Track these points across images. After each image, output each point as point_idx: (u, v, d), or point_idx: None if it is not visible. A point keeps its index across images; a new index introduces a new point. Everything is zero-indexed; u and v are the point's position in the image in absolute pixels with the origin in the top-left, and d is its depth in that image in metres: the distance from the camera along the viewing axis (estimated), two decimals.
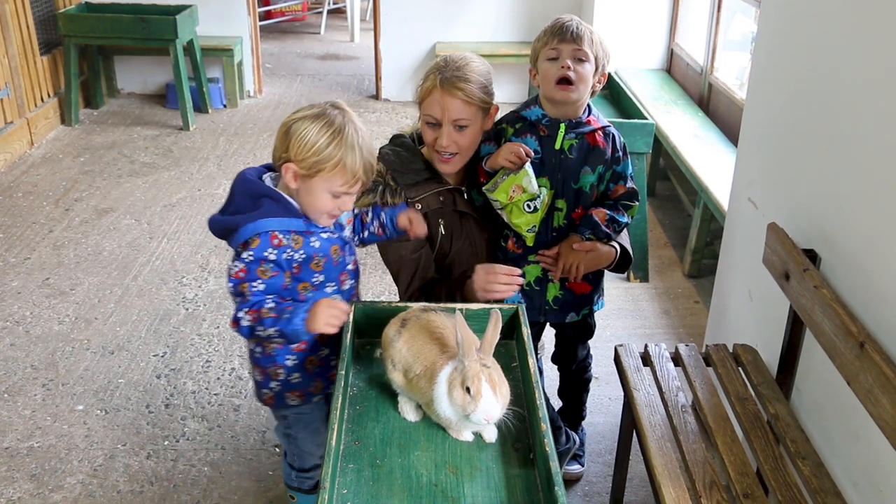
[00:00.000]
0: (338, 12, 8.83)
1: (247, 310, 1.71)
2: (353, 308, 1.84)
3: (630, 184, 2.20)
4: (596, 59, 2.06)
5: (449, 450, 1.57)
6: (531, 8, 5.85)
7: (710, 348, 2.29)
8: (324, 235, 1.79)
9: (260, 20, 6.54)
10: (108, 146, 5.14)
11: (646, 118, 3.62)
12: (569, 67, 2.03)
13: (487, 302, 1.93)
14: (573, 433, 2.44)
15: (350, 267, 1.89)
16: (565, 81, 2.04)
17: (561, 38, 2.04)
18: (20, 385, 2.91)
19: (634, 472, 2.49)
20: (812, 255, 1.97)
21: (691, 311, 3.46)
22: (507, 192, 2.03)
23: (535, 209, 2.06)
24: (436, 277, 2.12)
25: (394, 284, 2.20)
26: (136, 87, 6.09)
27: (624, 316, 3.42)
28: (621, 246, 2.19)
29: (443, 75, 2.00)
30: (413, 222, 1.93)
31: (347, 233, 1.89)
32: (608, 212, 2.15)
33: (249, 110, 5.85)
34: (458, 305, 1.83)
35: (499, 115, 2.17)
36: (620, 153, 2.17)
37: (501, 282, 1.94)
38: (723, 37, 4.34)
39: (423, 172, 2.11)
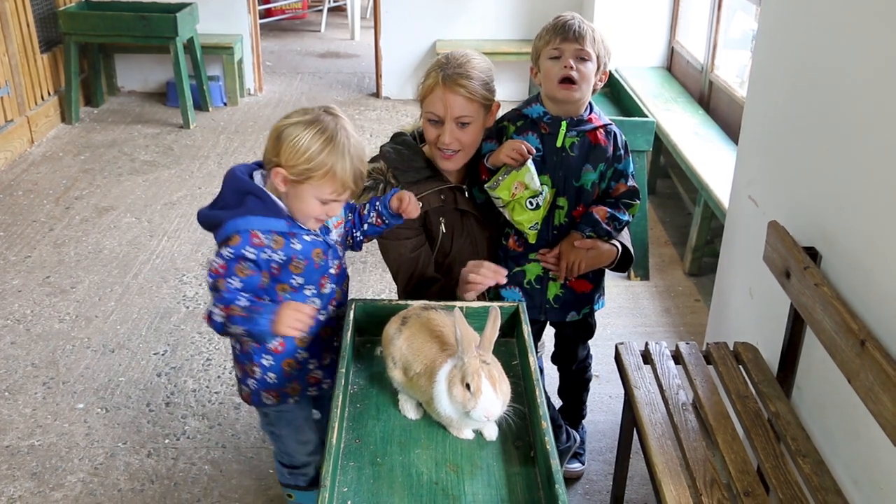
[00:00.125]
0: (338, 10, 8.83)
1: (221, 306, 1.70)
2: (353, 306, 1.84)
3: (631, 182, 2.20)
4: (598, 57, 2.06)
5: (449, 448, 1.57)
6: (532, 6, 5.85)
7: (710, 346, 2.29)
8: (307, 238, 1.78)
9: (260, 18, 6.53)
10: (108, 144, 5.14)
11: (646, 116, 3.62)
12: (571, 67, 2.03)
13: (484, 298, 1.93)
14: (574, 431, 2.44)
15: (332, 271, 1.86)
16: (568, 81, 2.04)
17: (563, 38, 2.04)
18: (21, 383, 2.91)
19: (635, 470, 2.49)
20: (813, 253, 1.96)
21: (692, 310, 3.46)
22: (509, 189, 2.03)
23: (538, 206, 2.06)
24: (435, 277, 2.12)
25: (394, 283, 2.20)
26: (137, 85, 6.09)
27: (624, 314, 3.42)
28: (622, 245, 2.19)
29: (445, 72, 1.99)
30: (403, 201, 1.88)
31: (334, 237, 1.86)
32: (609, 210, 2.15)
33: (250, 108, 5.85)
34: (458, 303, 1.83)
35: (499, 113, 2.16)
36: (622, 151, 2.17)
37: (480, 272, 1.91)
38: (723, 34, 4.34)
39: (424, 171, 2.10)
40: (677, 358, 2.25)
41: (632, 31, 5.10)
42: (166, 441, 2.65)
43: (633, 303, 3.51)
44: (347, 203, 1.94)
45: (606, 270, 2.26)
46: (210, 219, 1.77)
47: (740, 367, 2.21)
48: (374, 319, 1.82)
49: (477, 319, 1.73)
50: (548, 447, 1.44)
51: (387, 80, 6.11)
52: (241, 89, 5.96)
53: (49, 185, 4.53)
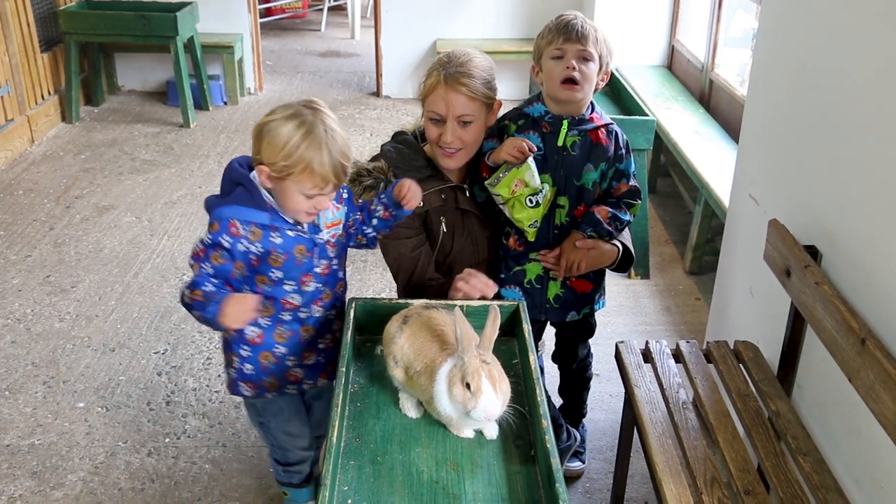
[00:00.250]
0: (338, 9, 8.82)
1: (191, 289, 1.73)
2: (353, 305, 1.84)
3: (633, 182, 2.20)
4: (600, 57, 2.05)
5: (450, 446, 1.57)
6: (532, 5, 5.84)
7: (711, 345, 2.29)
8: (289, 233, 1.78)
9: (260, 17, 6.53)
10: (108, 143, 5.14)
11: (647, 115, 3.62)
12: (574, 68, 2.02)
13: (484, 299, 1.92)
14: (574, 430, 2.44)
15: (318, 270, 1.85)
16: (570, 81, 2.03)
17: (566, 38, 2.03)
18: (21, 382, 2.91)
19: (635, 468, 2.49)
20: (813, 252, 1.96)
21: (692, 308, 3.46)
22: (509, 187, 2.03)
23: (537, 204, 2.05)
24: (435, 277, 2.11)
25: (394, 282, 2.20)
26: (137, 85, 6.09)
27: (625, 313, 3.42)
28: (623, 245, 2.19)
29: (446, 71, 1.99)
30: (404, 187, 1.86)
31: (325, 236, 1.85)
32: (610, 209, 2.15)
33: (250, 107, 5.84)
34: (459, 302, 1.83)
35: (501, 112, 2.16)
36: (623, 151, 2.17)
37: (470, 282, 1.89)
38: (724, 33, 4.33)
39: (424, 170, 2.10)
40: (678, 356, 2.25)
41: (632, 29, 5.10)
42: (167, 440, 2.65)
43: (634, 301, 3.50)
44: (355, 205, 1.94)
45: (607, 270, 2.26)
46: (206, 204, 1.81)
47: (741, 365, 2.21)
48: (375, 318, 1.82)
49: (477, 318, 1.73)
50: (548, 446, 1.44)
51: (387, 79, 6.10)
52: (241, 88, 5.96)
53: (49, 184, 4.53)
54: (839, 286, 1.85)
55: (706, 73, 4.42)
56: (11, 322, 3.26)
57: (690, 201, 4.30)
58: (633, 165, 2.21)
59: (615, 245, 2.17)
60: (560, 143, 2.11)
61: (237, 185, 1.77)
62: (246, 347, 1.90)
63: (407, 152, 2.11)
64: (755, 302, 2.39)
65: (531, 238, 2.13)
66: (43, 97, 5.22)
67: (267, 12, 8.21)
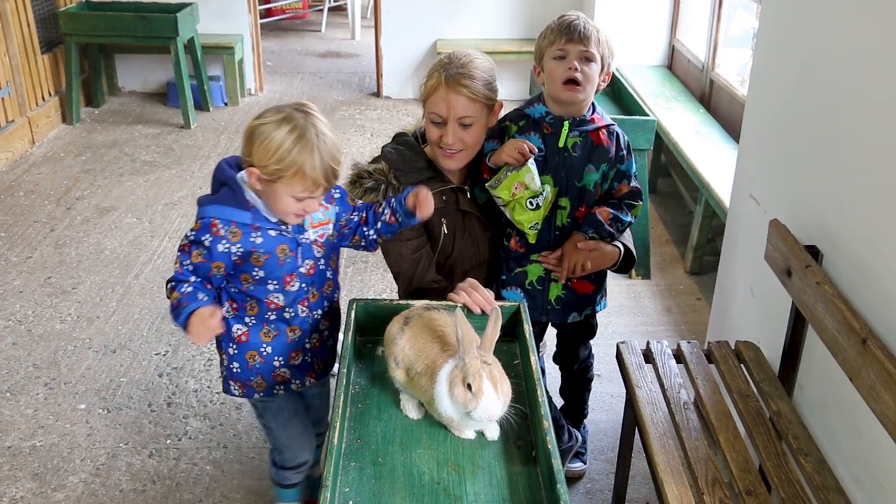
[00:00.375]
0: (338, 10, 8.83)
1: (171, 286, 1.75)
2: (354, 306, 1.84)
3: (634, 183, 2.20)
4: (602, 58, 2.05)
5: (451, 447, 1.57)
6: (532, 5, 5.84)
7: (712, 345, 2.28)
8: (271, 233, 1.78)
9: (260, 18, 6.53)
10: (109, 145, 5.14)
11: (647, 115, 3.61)
12: (576, 69, 2.02)
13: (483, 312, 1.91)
14: (575, 431, 2.43)
15: (303, 270, 1.84)
16: (572, 82, 2.03)
17: (569, 38, 2.03)
18: (22, 384, 2.92)
19: (637, 469, 2.49)
20: (814, 252, 1.96)
21: (693, 308, 3.46)
22: (509, 189, 2.03)
23: (538, 206, 2.05)
24: (436, 279, 2.10)
25: (395, 283, 2.19)
26: (137, 86, 6.09)
27: (626, 313, 3.42)
28: (625, 246, 2.19)
29: (447, 73, 1.99)
30: (420, 195, 1.84)
31: (311, 236, 1.84)
32: (612, 211, 2.15)
33: (250, 108, 5.84)
34: (459, 303, 1.83)
35: (502, 113, 2.16)
36: (624, 152, 2.17)
37: (472, 296, 1.85)
38: (724, 33, 4.33)
39: (425, 171, 2.10)
40: (679, 357, 2.25)
41: (632, 29, 5.10)
42: (168, 441, 2.65)
43: (635, 302, 3.50)
44: (350, 204, 1.93)
45: (608, 271, 2.25)
46: (198, 204, 1.82)
47: (742, 365, 2.21)
48: (376, 319, 1.82)
49: (478, 319, 1.73)
50: (549, 447, 1.44)
51: (387, 79, 6.10)
52: (241, 89, 5.96)
53: (50, 185, 4.53)
54: (840, 286, 1.85)
55: (706, 72, 4.42)
56: (13, 323, 3.26)
57: (691, 201, 4.30)
58: (634, 166, 2.20)
59: (616, 246, 2.17)
60: (561, 144, 2.11)
61: (221, 185, 1.78)
62: (233, 346, 1.90)
63: (408, 154, 2.11)
64: (756, 302, 2.39)
65: (532, 240, 2.13)
66: (43, 98, 5.23)
67: (267, 13, 8.22)
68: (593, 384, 2.58)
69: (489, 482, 1.49)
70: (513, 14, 5.91)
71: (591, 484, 2.52)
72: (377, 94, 6.18)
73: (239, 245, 1.75)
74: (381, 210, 1.92)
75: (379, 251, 2.12)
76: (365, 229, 1.93)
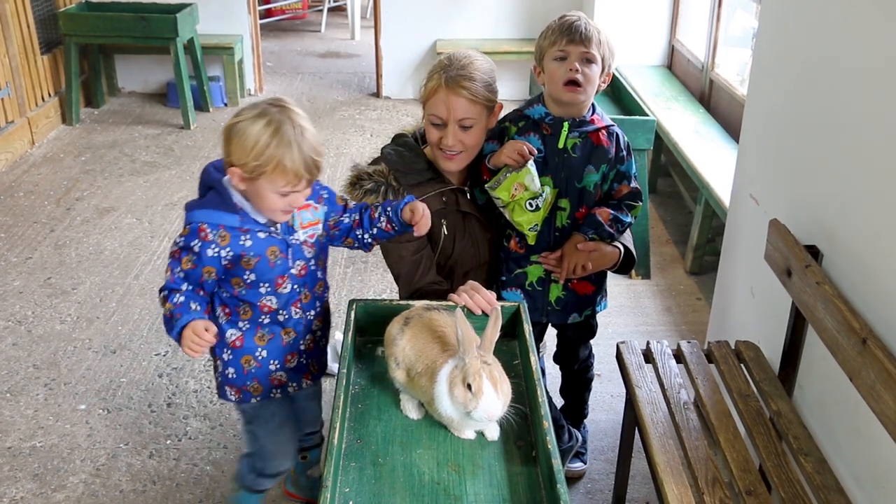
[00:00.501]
0: (338, 10, 8.83)
1: (165, 292, 1.74)
2: (354, 307, 1.84)
3: (634, 183, 2.20)
4: (602, 59, 2.05)
5: (451, 448, 1.57)
6: (532, 5, 5.84)
7: (712, 345, 2.28)
8: (260, 235, 1.77)
9: (260, 18, 6.53)
10: (109, 145, 5.14)
11: (647, 115, 3.62)
12: (577, 70, 2.02)
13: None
14: (575, 431, 2.43)
15: (294, 272, 1.84)
16: (573, 83, 2.03)
17: (570, 39, 2.02)
18: (22, 385, 2.91)
19: (637, 469, 2.49)
20: (814, 252, 1.96)
21: (693, 308, 3.46)
22: (508, 190, 2.03)
23: (537, 208, 2.05)
24: (437, 281, 2.10)
25: (395, 283, 2.19)
26: (137, 86, 6.09)
27: (626, 313, 3.42)
28: (625, 247, 2.19)
29: (447, 74, 1.98)
30: (416, 213, 1.83)
31: (300, 237, 1.83)
32: (612, 211, 2.15)
33: None
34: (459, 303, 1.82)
35: (501, 114, 2.16)
36: (624, 152, 2.17)
37: (474, 298, 1.84)
38: (724, 33, 4.33)
39: (425, 172, 2.09)
40: (679, 357, 2.25)
41: (632, 29, 5.10)
42: (168, 442, 2.65)
43: (635, 302, 3.50)
44: (339, 205, 1.93)
45: (608, 272, 2.25)
46: (185, 209, 1.81)
47: (742, 365, 2.21)
48: (376, 320, 1.82)
49: (478, 320, 1.73)
50: (549, 447, 1.44)
51: (387, 79, 6.10)
52: (241, 90, 5.96)
53: (50, 186, 4.53)
54: (840, 286, 1.85)
55: (706, 72, 4.42)
56: (12, 324, 3.26)
57: (691, 201, 4.30)
58: (633, 167, 2.20)
59: (617, 247, 2.17)
60: (561, 145, 2.11)
61: (208, 189, 1.77)
62: (228, 351, 1.89)
63: (407, 155, 2.10)
64: (756, 302, 2.39)
65: (531, 242, 2.13)
66: (43, 99, 5.23)
67: (267, 13, 8.22)
68: (593, 384, 2.58)
69: (489, 482, 1.49)
70: (513, 14, 5.91)
71: (591, 484, 2.52)
72: (377, 95, 6.18)
73: (228, 249, 1.74)
74: (376, 216, 1.91)
75: (379, 252, 2.11)
76: (359, 233, 1.92)
